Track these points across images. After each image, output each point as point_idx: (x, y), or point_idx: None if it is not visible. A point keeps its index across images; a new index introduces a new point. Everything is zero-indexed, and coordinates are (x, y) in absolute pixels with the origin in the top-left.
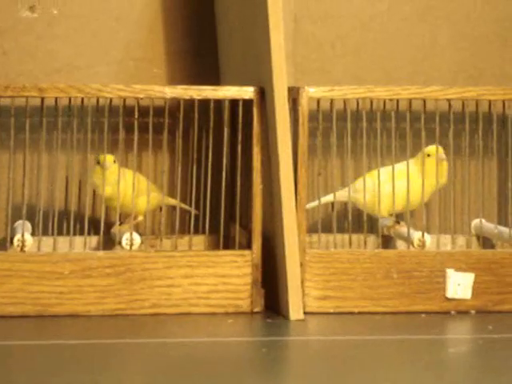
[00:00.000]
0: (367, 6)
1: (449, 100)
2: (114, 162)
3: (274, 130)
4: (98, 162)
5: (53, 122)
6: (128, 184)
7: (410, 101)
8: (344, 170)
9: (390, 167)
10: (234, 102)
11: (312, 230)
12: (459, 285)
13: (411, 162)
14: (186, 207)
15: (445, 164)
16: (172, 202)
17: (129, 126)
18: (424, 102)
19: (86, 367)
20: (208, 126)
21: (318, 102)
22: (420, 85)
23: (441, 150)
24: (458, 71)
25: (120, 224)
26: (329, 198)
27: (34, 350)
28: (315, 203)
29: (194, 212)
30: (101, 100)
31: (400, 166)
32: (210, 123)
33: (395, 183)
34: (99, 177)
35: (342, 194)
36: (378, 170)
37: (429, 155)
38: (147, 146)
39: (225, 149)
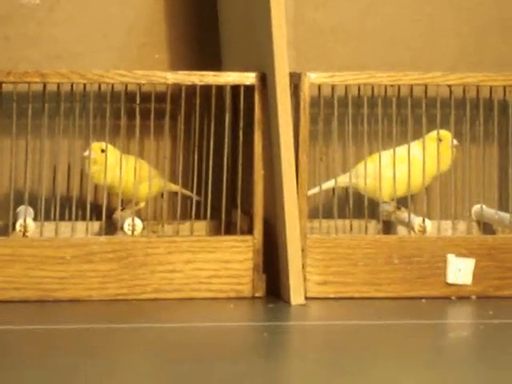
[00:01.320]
0: None
1: (450, 86)
2: (102, 151)
3: (276, 115)
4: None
5: (55, 107)
6: (129, 170)
7: (411, 87)
8: (345, 155)
9: (392, 151)
10: (235, 88)
11: (313, 215)
12: (460, 270)
13: (413, 145)
14: (188, 193)
15: (454, 149)
16: (174, 187)
17: (131, 112)
18: (425, 87)
19: (87, 351)
20: (210, 112)
21: (319, 87)
22: (421, 71)
23: (449, 135)
24: (458, 57)
25: (122, 210)
26: (330, 183)
27: (36, 335)
28: (316, 189)
29: (195, 198)
30: (103, 86)
31: (402, 150)
32: (212, 109)
33: (398, 167)
34: (97, 165)
35: (343, 180)
36: (380, 155)
37: (441, 140)
38: (149, 131)
39: (226, 134)
